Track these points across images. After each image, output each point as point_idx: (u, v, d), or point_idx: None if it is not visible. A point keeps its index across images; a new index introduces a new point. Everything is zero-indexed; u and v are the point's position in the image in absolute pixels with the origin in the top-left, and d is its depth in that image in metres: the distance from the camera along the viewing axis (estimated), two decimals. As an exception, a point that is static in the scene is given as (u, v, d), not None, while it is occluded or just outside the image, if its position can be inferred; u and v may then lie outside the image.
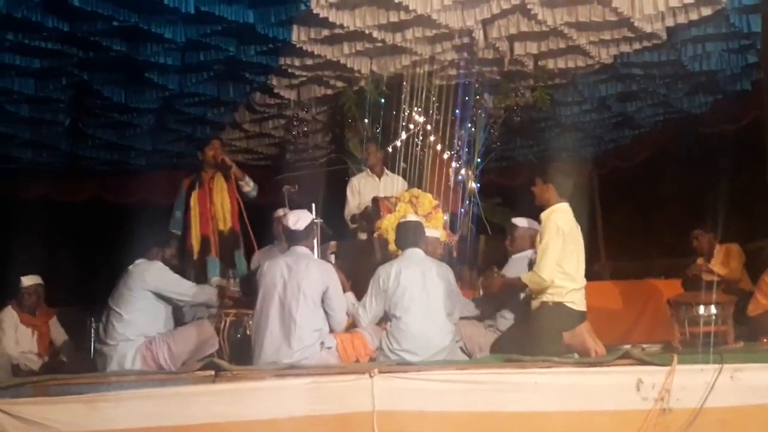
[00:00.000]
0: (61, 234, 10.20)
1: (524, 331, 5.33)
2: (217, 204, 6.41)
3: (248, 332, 5.35)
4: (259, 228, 6.48)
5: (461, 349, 5.65)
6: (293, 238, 5.30)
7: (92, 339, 6.39)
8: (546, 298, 5.27)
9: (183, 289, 5.44)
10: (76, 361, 6.65)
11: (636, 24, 6.89)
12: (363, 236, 6.93)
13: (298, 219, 5.31)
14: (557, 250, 5.20)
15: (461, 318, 5.74)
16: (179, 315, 5.53)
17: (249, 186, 6.59)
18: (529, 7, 6.66)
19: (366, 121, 8.15)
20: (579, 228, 5.43)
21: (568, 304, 5.25)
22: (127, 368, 5.01)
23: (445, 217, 6.78)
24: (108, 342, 5.19)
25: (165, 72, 7.61)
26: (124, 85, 7.99)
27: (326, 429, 4.01)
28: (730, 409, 4.31)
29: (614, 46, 7.56)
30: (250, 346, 5.16)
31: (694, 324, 6.00)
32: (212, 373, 4.15)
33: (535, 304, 5.36)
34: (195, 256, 6.28)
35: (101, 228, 9.95)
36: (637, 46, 7.47)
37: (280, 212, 6.92)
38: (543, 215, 5.41)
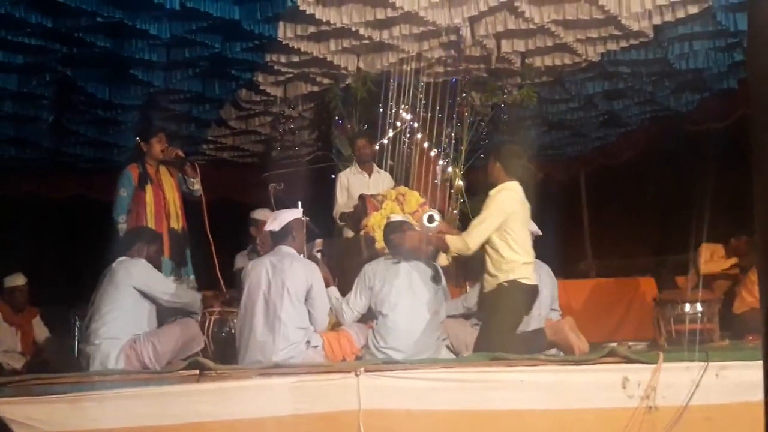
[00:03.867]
0: (45, 231, 10.12)
1: (489, 318, 5.33)
2: (170, 201, 6.23)
3: (233, 331, 5.32)
4: (245, 227, 6.42)
5: (448, 347, 5.64)
6: (274, 238, 5.29)
7: (76, 338, 6.32)
8: (500, 278, 5.26)
9: (167, 287, 5.39)
10: (60, 360, 6.58)
11: (623, 22, 6.89)
12: (349, 234, 6.91)
13: (275, 219, 5.30)
14: (493, 225, 5.23)
15: (448, 316, 5.74)
16: (163, 314, 5.47)
17: (198, 184, 6.30)
18: (516, 4, 6.66)
19: (353, 118, 8.12)
20: (528, 207, 5.46)
21: (521, 280, 5.26)
22: (111, 367, 4.95)
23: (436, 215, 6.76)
24: (92, 341, 5.13)
25: (150, 68, 7.54)
26: (108, 82, 7.91)
27: (312, 428, 3.99)
28: (715, 406, 4.33)
29: (601, 44, 7.56)
30: (235, 345, 5.14)
31: (679, 322, 6.03)
32: (196, 372, 4.12)
33: (491, 286, 5.34)
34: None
35: (85, 225, 9.88)
36: (624, 44, 7.48)
37: (256, 214, 6.89)
38: (491, 192, 5.42)
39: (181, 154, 6.36)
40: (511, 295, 5.24)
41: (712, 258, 7.74)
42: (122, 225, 6.04)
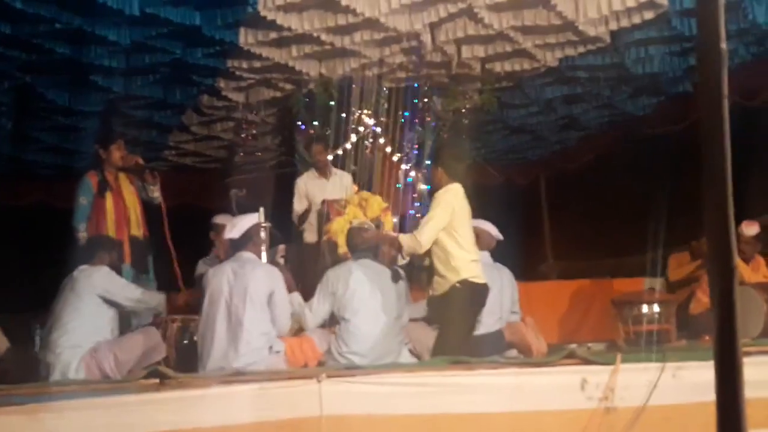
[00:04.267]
0: (6, 239, 9.97)
1: (444, 320, 5.41)
2: (131, 208, 6.19)
3: (195, 338, 5.30)
4: (204, 232, 6.39)
5: (410, 351, 5.68)
6: (234, 245, 5.28)
7: (37, 347, 6.25)
8: (452, 278, 5.34)
9: (131, 293, 5.35)
10: (20, 370, 6.49)
11: (580, 28, 6.98)
12: (311, 239, 6.91)
13: (234, 226, 5.30)
14: (442, 223, 5.34)
15: (410, 320, 5.77)
16: (125, 322, 5.44)
17: (158, 192, 6.28)
18: (475, 11, 6.71)
19: (315, 123, 8.12)
20: (469, 208, 5.59)
21: (472, 279, 5.35)
22: (72, 377, 4.91)
23: (394, 220, 6.81)
24: (52, 350, 5.08)
25: (110, 74, 7.47)
26: (68, 88, 7.85)
27: (274, 435, 4.00)
28: (672, 407, 4.41)
29: (559, 50, 7.65)
30: (197, 352, 5.12)
31: (637, 323, 6.13)
32: (157, 381, 4.09)
33: (443, 288, 5.40)
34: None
35: (46, 233, 9.76)
36: (581, 49, 7.57)
37: (217, 219, 6.87)
38: (437, 194, 5.54)
39: (140, 161, 6.33)
40: (464, 295, 5.32)
41: (679, 266, 7.90)
42: (82, 233, 5.99)
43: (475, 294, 5.38)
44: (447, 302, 5.36)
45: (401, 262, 5.91)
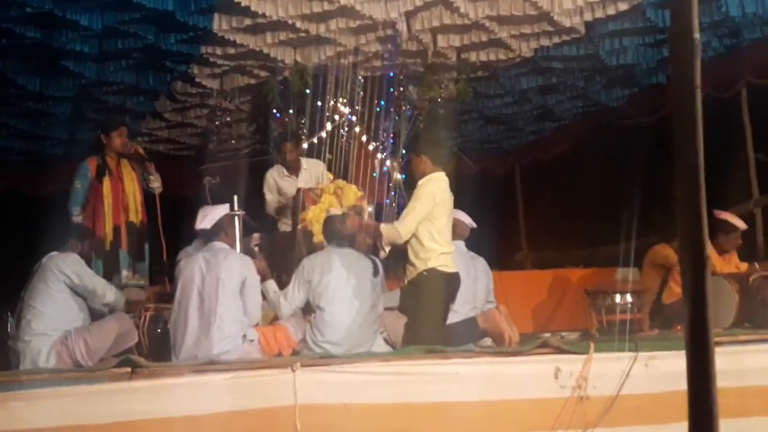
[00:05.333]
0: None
1: (412, 308, 5.42)
2: (130, 194, 6.21)
3: (168, 326, 5.26)
4: (176, 221, 6.33)
5: (385, 340, 5.68)
6: (206, 235, 5.26)
7: (7, 334, 6.18)
8: (419, 266, 5.37)
9: (96, 285, 5.30)
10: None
11: (555, 18, 6.99)
12: (287, 228, 6.87)
13: (204, 217, 5.27)
14: (423, 213, 5.35)
15: (385, 309, 5.77)
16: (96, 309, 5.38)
17: (158, 182, 6.39)
18: (451, 0, 6.70)
19: (290, 111, 8.07)
20: (452, 198, 5.60)
21: (440, 268, 5.37)
22: (42, 365, 4.87)
23: (370, 209, 6.78)
24: (22, 338, 5.04)
25: (82, 60, 7.37)
26: (39, 73, 7.71)
27: (247, 424, 3.98)
28: (645, 396, 4.45)
29: (534, 40, 7.65)
30: (170, 341, 5.09)
31: (610, 312, 6.18)
32: (128, 370, 4.06)
33: (411, 275, 5.44)
34: (107, 248, 6.08)
35: (17, 220, 9.63)
36: (556, 40, 7.58)
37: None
38: (420, 182, 5.52)
39: (141, 151, 6.40)
40: (431, 283, 5.34)
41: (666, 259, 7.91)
42: (77, 217, 6.05)
43: (443, 282, 5.39)
44: (415, 290, 5.39)
45: (382, 255, 5.89)
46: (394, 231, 5.37)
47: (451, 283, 5.46)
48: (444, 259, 5.41)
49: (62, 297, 5.13)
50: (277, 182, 7.08)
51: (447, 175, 5.60)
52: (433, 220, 5.37)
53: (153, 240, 6.28)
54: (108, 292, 5.34)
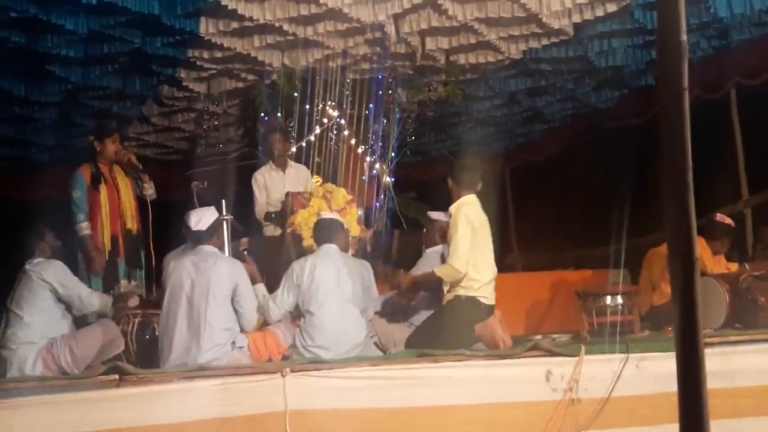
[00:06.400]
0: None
1: (437, 325, 5.34)
2: (125, 202, 6.17)
3: (157, 333, 5.21)
4: (164, 227, 6.29)
5: (376, 344, 5.65)
6: (198, 238, 5.20)
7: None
8: (459, 291, 5.29)
9: (81, 292, 5.23)
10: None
11: (544, 20, 6.98)
12: (274, 232, 6.83)
13: (201, 218, 5.21)
14: (468, 240, 5.24)
15: (375, 313, 5.74)
16: (82, 316, 5.32)
17: (152, 189, 6.35)
18: (439, 2, 6.68)
19: (279, 115, 8.03)
20: (487, 220, 5.50)
21: (480, 299, 5.29)
22: (28, 373, 4.81)
23: (359, 212, 6.76)
24: (8, 346, 4.98)
25: (67, 64, 7.32)
26: (24, 78, 7.65)
27: (238, 431, 3.94)
28: (636, 397, 4.45)
29: (523, 42, 7.65)
30: (158, 347, 5.04)
31: (601, 314, 6.16)
32: (116, 377, 4.02)
33: (447, 297, 5.38)
34: (106, 257, 6.04)
35: (2, 226, 9.56)
36: (545, 42, 7.58)
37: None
38: (452, 208, 5.46)
39: (134, 160, 6.34)
40: (467, 311, 5.26)
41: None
42: (85, 230, 5.99)
43: (477, 311, 5.29)
44: (449, 314, 5.29)
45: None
46: (452, 269, 5.23)
47: (485, 314, 5.35)
48: (485, 290, 5.31)
49: (47, 305, 5.07)
50: (265, 178, 7.04)
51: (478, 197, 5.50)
52: (473, 248, 5.25)
53: (147, 247, 6.25)
54: (94, 300, 5.28)
